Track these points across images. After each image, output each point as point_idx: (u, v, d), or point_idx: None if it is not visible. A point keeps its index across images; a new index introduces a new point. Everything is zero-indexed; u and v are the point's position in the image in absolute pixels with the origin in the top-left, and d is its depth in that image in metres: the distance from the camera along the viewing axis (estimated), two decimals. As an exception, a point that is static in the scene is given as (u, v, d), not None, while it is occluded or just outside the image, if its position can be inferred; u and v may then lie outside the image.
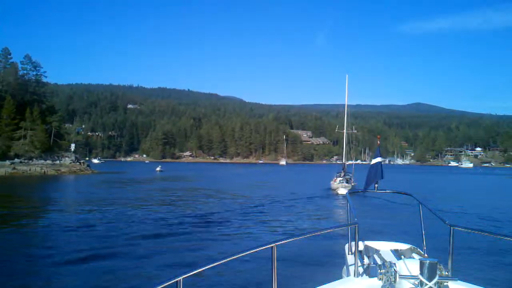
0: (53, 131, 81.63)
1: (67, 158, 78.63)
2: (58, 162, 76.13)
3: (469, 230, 4.62)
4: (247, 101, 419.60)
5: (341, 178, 45.89)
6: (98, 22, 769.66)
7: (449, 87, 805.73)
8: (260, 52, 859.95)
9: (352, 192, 7.41)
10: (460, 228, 4.37)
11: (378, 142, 10.07)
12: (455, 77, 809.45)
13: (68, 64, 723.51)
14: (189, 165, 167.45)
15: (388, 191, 7.12)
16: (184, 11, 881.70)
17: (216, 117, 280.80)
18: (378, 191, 6.39)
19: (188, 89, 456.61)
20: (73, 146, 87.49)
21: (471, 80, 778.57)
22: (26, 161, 72.04)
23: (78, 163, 80.00)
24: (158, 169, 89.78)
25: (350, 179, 46.24)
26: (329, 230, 5.56)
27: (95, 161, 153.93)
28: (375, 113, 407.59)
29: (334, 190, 43.80)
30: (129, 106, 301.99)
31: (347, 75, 53.78)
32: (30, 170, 69.37)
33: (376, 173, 6.23)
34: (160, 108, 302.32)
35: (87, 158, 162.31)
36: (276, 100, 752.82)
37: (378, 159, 6.37)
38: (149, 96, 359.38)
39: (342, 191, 41.20)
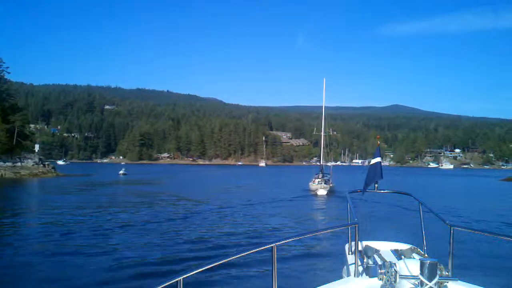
0: (16, 131, 76.76)
1: (30, 160, 73.68)
2: (19, 164, 71.26)
3: (469, 230, 4.72)
4: (226, 102, 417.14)
5: (319, 179, 46.38)
6: (75, 23, 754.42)
7: (426, 90, 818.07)
8: (240, 53, 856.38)
9: (352, 192, 6.78)
10: (460, 228, 4.41)
11: (378, 142, 9.66)
12: (433, 80, 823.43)
13: (44, 65, 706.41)
14: (164, 166, 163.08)
15: (388, 191, 6.99)
16: (163, 13, 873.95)
17: (195, 118, 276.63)
18: (378, 191, 6.30)
19: (168, 90, 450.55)
20: (37, 147, 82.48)
21: (448, 83, 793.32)
22: (-17, 163, 67.02)
23: (42, 165, 75.17)
24: (121, 172, 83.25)
25: (329, 180, 47.07)
26: (329, 230, 6.27)
27: (60, 162, 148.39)
28: (355, 114, 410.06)
29: (313, 191, 44.60)
30: (106, 107, 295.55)
31: (324, 79, 55.25)
32: (-14, 173, 64.65)
33: (375, 173, 6.10)
34: (138, 109, 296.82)
35: (61, 161, 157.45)
36: (256, 101, 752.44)
37: (378, 159, 6.25)
38: (127, 97, 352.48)
39: (321, 191, 43.09)
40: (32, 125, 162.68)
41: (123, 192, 44.77)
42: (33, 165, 73.01)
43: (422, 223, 5.66)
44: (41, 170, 72.19)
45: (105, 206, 30.62)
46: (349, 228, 5.06)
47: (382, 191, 6.50)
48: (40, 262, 14.06)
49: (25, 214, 27.04)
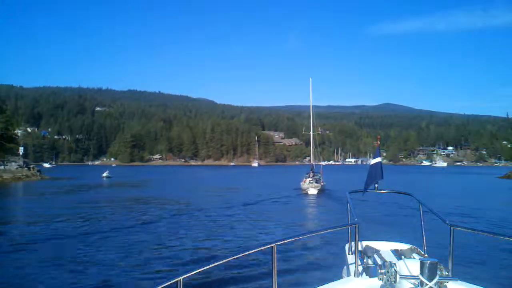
0: (-1, 134, 74.51)
1: (13, 163, 71.32)
2: (2, 167, 68.82)
3: (469, 230, 4.62)
4: (218, 102, 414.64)
5: (310, 179, 46.97)
6: (66, 24, 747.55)
7: (418, 88, 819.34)
8: (231, 53, 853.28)
9: (352, 192, 6.60)
10: (460, 228, 4.42)
11: (378, 142, 9.62)
12: (424, 78, 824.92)
13: (34, 67, 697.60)
14: (155, 168, 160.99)
15: (388, 191, 7.05)
16: (154, 13, 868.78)
17: (187, 119, 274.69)
18: (378, 191, 6.34)
19: (159, 91, 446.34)
20: (21, 149, 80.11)
21: (439, 81, 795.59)
22: (-36, 167, 64.60)
23: (26, 169, 72.88)
24: (104, 175, 79.96)
25: (320, 179, 47.54)
26: (329, 230, 5.58)
27: (46, 165, 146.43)
28: (347, 113, 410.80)
29: (304, 190, 45.20)
30: (98, 108, 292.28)
31: (310, 79, 56.27)
32: (-33, 177, 62.19)
33: (376, 173, 6.15)
34: (130, 110, 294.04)
35: (47, 164, 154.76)
36: (248, 101, 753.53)
37: (378, 159, 6.29)
38: (118, 98, 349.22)
39: (312, 191, 43.69)
40: (22, 128, 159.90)
41: (98, 197, 42.02)
42: (16, 168, 70.62)
43: (422, 223, 5.64)
44: (25, 174, 69.74)
45: (69, 208, 29.45)
46: (349, 228, 5.09)
47: (382, 191, 6.51)
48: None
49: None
